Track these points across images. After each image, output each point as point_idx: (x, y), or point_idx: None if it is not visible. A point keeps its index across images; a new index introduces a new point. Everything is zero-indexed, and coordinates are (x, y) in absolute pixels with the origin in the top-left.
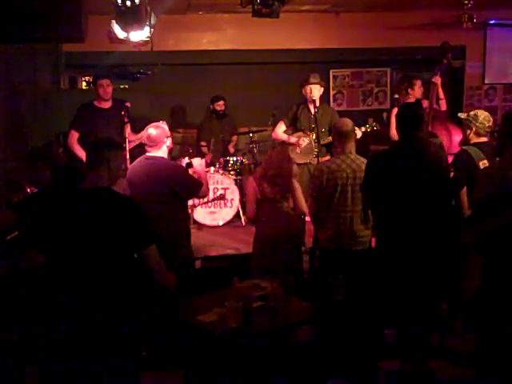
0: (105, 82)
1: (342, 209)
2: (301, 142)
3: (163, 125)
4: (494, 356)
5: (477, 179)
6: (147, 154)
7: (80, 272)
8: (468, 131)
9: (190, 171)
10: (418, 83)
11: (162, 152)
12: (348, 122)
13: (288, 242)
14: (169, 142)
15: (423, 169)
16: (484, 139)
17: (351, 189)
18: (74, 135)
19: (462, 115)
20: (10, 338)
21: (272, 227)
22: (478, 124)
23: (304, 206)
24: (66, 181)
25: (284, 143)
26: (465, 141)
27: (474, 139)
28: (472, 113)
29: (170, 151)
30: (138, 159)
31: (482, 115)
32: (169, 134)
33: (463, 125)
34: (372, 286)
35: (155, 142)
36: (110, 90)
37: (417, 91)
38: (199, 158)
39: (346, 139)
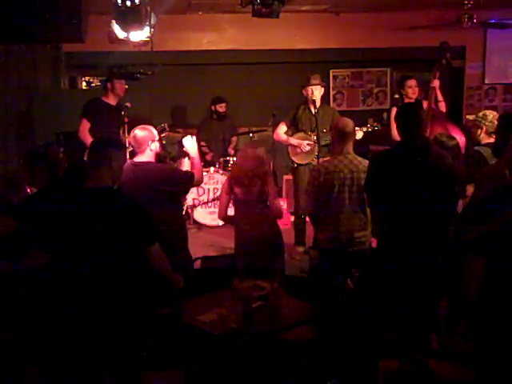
0: (122, 81)
1: (340, 209)
2: (303, 147)
3: (152, 128)
4: (495, 356)
5: (476, 180)
6: (133, 159)
7: (83, 271)
8: (479, 131)
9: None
10: (408, 83)
11: (146, 156)
12: (349, 123)
13: (263, 245)
14: (154, 146)
15: (425, 168)
16: (494, 139)
17: (348, 189)
18: (86, 125)
19: (470, 117)
20: (11, 339)
21: (246, 230)
22: (487, 123)
23: (280, 208)
24: (69, 181)
25: (250, 145)
26: (474, 142)
27: (485, 139)
28: (480, 113)
29: (158, 155)
30: (125, 165)
31: (491, 114)
32: (155, 138)
33: (472, 126)
34: (372, 286)
35: (139, 144)
36: (124, 88)
37: (407, 91)
38: (189, 136)
39: (346, 140)
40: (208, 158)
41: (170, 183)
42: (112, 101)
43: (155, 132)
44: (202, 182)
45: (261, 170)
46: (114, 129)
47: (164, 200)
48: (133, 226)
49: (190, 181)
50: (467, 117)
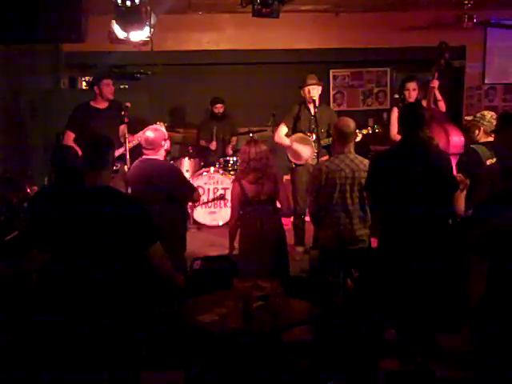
0: (110, 81)
1: (342, 208)
2: (303, 154)
3: (161, 127)
4: (496, 357)
5: (477, 180)
6: (144, 156)
7: (83, 271)
8: (477, 131)
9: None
10: (406, 86)
11: (159, 155)
12: (351, 123)
13: (272, 246)
14: (166, 145)
15: (425, 168)
16: (491, 138)
17: (350, 188)
18: (70, 136)
19: (468, 118)
20: (8, 339)
21: (255, 232)
22: (485, 123)
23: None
24: (68, 181)
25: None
26: (472, 141)
27: (483, 138)
28: (478, 114)
29: (168, 152)
30: (136, 161)
31: (489, 114)
32: (166, 136)
33: (471, 126)
34: (372, 285)
35: (153, 146)
36: (113, 89)
37: (404, 94)
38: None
39: (347, 140)
40: (212, 147)
41: (175, 186)
42: (101, 104)
43: (165, 131)
44: (199, 200)
45: (272, 169)
46: (109, 131)
47: (168, 198)
48: (133, 226)
49: (191, 192)
50: (465, 118)
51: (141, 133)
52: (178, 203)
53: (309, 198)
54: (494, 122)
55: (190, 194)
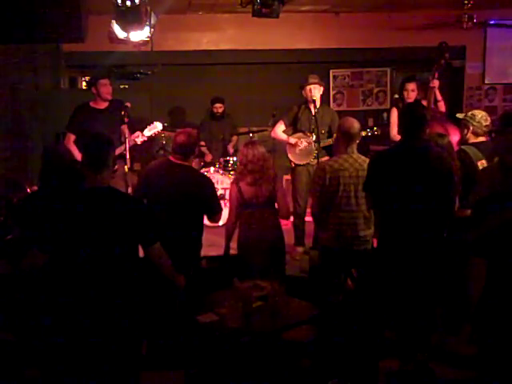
0: (107, 81)
1: (345, 208)
2: (299, 143)
3: (193, 131)
4: (496, 358)
5: (477, 179)
6: (174, 160)
7: (83, 271)
8: (465, 131)
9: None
10: (405, 86)
11: (188, 161)
12: (355, 124)
13: (266, 249)
14: (196, 149)
15: (425, 168)
16: (482, 139)
17: (354, 188)
18: (71, 137)
19: (459, 115)
20: (9, 338)
21: (251, 232)
22: (475, 123)
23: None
24: (68, 181)
25: (251, 144)
26: (462, 141)
27: (472, 139)
28: (470, 113)
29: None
30: (162, 162)
31: (480, 115)
32: (197, 141)
33: (461, 125)
34: (373, 286)
35: (183, 150)
36: (111, 89)
37: (404, 94)
38: None
39: (351, 140)
40: (207, 159)
41: (204, 199)
42: (101, 105)
43: (195, 134)
44: (217, 222)
45: (271, 171)
46: (109, 131)
47: (191, 207)
48: (133, 226)
49: (219, 208)
50: (457, 115)
51: (138, 132)
52: (197, 215)
53: (312, 198)
54: (484, 123)
55: (214, 213)
